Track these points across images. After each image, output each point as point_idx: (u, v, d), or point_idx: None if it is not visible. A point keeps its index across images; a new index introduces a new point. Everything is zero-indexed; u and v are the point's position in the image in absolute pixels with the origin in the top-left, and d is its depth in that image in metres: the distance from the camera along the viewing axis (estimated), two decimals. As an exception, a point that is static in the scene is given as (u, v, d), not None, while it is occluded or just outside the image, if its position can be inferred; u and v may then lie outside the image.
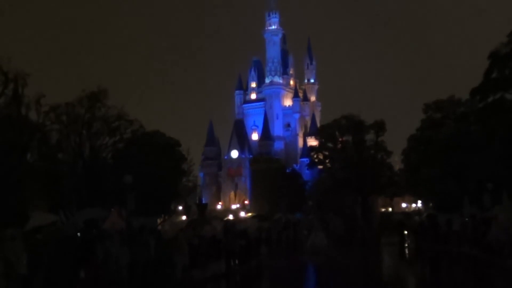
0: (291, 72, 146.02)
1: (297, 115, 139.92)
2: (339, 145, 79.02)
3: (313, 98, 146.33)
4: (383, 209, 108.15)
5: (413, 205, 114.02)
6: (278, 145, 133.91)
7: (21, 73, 42.04)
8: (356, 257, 36.00)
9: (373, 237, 51.07)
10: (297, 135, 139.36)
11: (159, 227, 36.69)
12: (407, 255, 37.28)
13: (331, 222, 51.41)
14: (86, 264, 17.31)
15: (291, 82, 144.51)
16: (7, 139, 37.91)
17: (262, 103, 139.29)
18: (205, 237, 24.24)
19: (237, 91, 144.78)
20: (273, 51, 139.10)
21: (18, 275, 15.12)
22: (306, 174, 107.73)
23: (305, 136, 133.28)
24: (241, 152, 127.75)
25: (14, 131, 39.36)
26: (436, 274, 26.61)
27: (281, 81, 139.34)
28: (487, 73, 40.24)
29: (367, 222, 63.97)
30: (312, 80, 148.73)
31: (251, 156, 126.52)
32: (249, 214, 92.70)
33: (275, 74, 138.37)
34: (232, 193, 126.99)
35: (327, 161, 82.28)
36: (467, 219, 34.02)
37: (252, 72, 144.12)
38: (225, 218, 74.47)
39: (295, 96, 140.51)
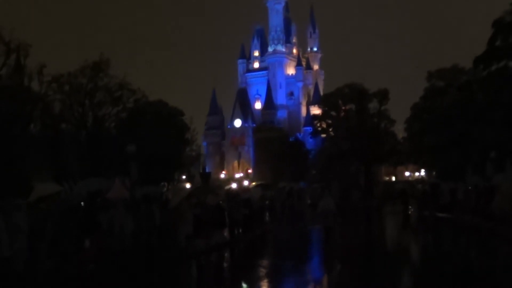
0: (294, 40, 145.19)
1: (300, 84, 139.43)
2: (342, 114, 78.90)
3: (316, 67, 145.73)
4: (386, 178, 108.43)
5: (416, 173, 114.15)
6: (281, 114, 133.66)
7: (23, 43, 42.05)
8: (358, 225, 36.20)
9: (375, 205, 51.19)
10: (300, 103, 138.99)
11: (163, 196, 36.76)
12: (410, 223, 37.38)
13: (332, 190, 51.36)
14: (90, 233, 17.40)
15: (294, 51, 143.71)
16: (10, 110, 37.97)
17: (265, 72, 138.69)
18: (209, 206, 24.29)
19: (240, 60, 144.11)
20: (276, 20, 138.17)
21: (24, 245, 15.23)
22: (309, 142, 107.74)
23: (308, 104, 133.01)
24: (244, 121, 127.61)
25: (17, 101, 39.40)
26: (439, 242, 26.73)
27: (284, 49, 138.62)
28: (491, 41, 40.02)
29: (367, 191, 64.09)
30: (315, 49, 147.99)
31: (254, 125, 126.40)
32: (253, 183, 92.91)
33: (278, 43, 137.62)
34: (235, 162, 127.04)
35: (330, 129, 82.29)
36: (470, 187, 34.04)
37: (255, 41, 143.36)
38: (227, 187, 74.68)
39: (298, 64, 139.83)
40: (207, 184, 66.24)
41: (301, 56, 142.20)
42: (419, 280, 15.89)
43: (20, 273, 14.81)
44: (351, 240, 26.76)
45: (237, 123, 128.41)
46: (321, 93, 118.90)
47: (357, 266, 18.41)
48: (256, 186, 70.57)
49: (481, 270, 16.97)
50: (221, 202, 26.27)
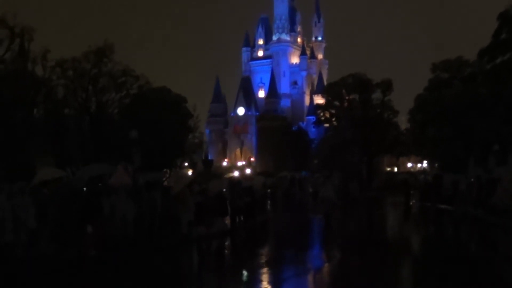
0: (298, 29, 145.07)
1: (304, 73, 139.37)
2: (346, 104, 78.83)
3: (320, 56, 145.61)
4: (388, 169, 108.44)
5: (419, 165, 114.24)
6: (285, 103, 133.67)
7: (27, 28, 42.02)
8: (358, 216, 36.24)
9: (374, 196, 51.12)
10: (303, 93, 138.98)
11: (165, 183, 36.82)
12: (411, 214, 37.38)
13: (334, 180, 51.24)
14: (92, 219, 17.45)
15: (299, 40, 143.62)
16: (13, 95, 38.00)
17: (269, 60, 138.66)
18: (211, 194, 24.31)
19: (244, 48, 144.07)
20: (281, 8, 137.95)
21: (27, 229, 15.29)
22: (312, 132, 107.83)
23: (311, 94, 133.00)
24: (247, 109, 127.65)
25: (20, 86, 39.42)
26: (439, 232, 26.77)
27: (288, 38, 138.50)
28: (496, 34, 39.88)
29: (369, 181, 64.02)
30: (319, 38, 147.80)
31: (257, 113, 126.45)
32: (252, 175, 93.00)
33: (283, 32, 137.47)
34: (238, 150, 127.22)
35: (333, 119, 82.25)
36: (472, 180, 34.01)
37: (260, 29, 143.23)
38: (229, 175, 74.68)
39: (302, 53, 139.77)
40: (209, 171, 66.22)
41: (305, 45, 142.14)
42: (419, 271, 15.93)
43: (22, 258, 14.89)
44: (351, 231, 26.80)
45: (240, 111, 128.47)
46: (325, 82, 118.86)
47: (357, 256, 18.45)
48: (258, 174, 70.52)
49: (481, 261, 17.01)
50: (224, 190, 26.28)
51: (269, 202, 36.50)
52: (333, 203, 26.04)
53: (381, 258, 17.84)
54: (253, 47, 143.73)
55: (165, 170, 53.06)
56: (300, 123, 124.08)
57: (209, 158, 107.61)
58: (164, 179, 43.28)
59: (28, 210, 15.41)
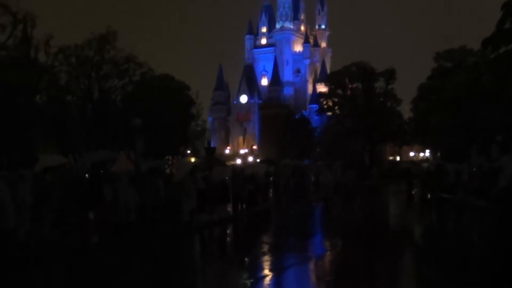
0: (302, 17, 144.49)
1: (307, 61, 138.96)
2: (349, 92, 78.80)
3: (323, 44, 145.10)
4: (391, 157, 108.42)
5: (421, 154, 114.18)
6: (288, 91, 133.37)
7: (30, 14, 41.94)
8: (358, 205, 36.24)
9: (374, 184, 51.06)
10: (306, 81, 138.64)
11: (168, 170, 36.82)
12: (413, 203, 37.38)
13: (335, 168, 51.23)
14: (94, 205, 17.46)
15: (302, 28, 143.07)
16: (16, 81, 37.98)
17: (272, 48, 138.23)
18: (213, 181, 24.34)
19: (247, 36, 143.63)
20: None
21: (29, 216, 15.32)
22: (315, 120, 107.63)
23: (314, 82, 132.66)
24: (250, 97, 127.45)
25: (23, 72, 39.38)
26: (441, 221, 26.76)
27: (291, 26, 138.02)
28: (500, 23, 39.76)
29: (371, 170, 63.94)
30: (323, 26, 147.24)
31: (260, 101, 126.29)
32: (258, 160, 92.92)
33: (286, 20, 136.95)
34: (240, 138, 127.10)
35: (336, 108, 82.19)
36: (474, 169, 33.97)
37: (263, 17, 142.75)
38: (231, 163, 74.75)
39: (306, 42, 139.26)
40: (211, 158, 66.24)
41: (308, 33, 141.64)
42: (420, 260, 15.94)
43: (24, 245, 14.91)
44: (353, 220, 26.78)
45: (243, 99, 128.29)
46: (328, 71, 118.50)
47: (359, 244, 18.46)
48: (260, 162, 70.55)
49: (483, 250, 17.01)
50: (227, 178, 26.29)
51: (271, 190, 36.50)
52: (333, 188, 26.16)
53: (383, 247, 17.86)
54: (256, 35, 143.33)
55: (167, 157, 53.12)
56: (303, 111, 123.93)
57: (212, 145, 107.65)
58: (166, 166, 43.34)
59: (30, 197, 15.42)
